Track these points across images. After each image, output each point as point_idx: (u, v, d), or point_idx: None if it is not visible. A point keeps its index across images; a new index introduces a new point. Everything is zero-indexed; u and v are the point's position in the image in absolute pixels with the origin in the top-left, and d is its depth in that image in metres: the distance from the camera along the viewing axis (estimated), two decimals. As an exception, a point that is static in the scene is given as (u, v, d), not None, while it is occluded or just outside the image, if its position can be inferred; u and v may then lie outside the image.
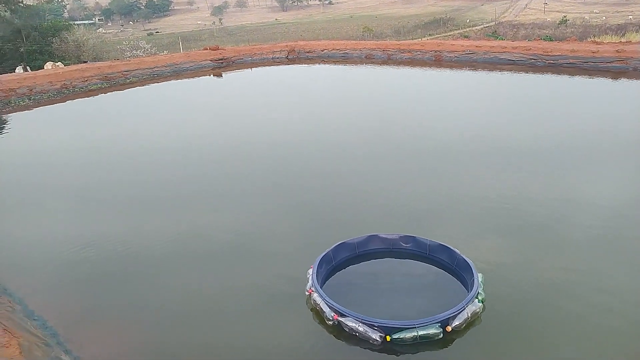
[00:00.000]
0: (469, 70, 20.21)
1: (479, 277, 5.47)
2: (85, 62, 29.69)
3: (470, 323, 5.13)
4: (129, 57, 32.91)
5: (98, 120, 15.92)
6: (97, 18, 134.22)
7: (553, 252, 6.63)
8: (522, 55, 20.17)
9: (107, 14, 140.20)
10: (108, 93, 19.79)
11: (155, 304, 6.05)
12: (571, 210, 7.81)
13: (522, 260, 6.48)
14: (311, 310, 5.57)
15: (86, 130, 14.69)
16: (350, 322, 5.00)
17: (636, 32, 34.89)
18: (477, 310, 5.17)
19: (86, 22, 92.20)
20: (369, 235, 6.51)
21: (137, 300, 6.13)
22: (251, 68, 24.34)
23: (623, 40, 25.73)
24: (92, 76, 20.90)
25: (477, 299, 5.22)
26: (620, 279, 5.98)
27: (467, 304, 5.07)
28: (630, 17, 68.98)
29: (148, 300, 6.14)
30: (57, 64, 24.38)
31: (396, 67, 22.30)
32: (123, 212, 8.75)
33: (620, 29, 45.81)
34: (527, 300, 5.66)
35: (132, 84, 21.15)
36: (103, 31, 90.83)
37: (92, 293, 6.36)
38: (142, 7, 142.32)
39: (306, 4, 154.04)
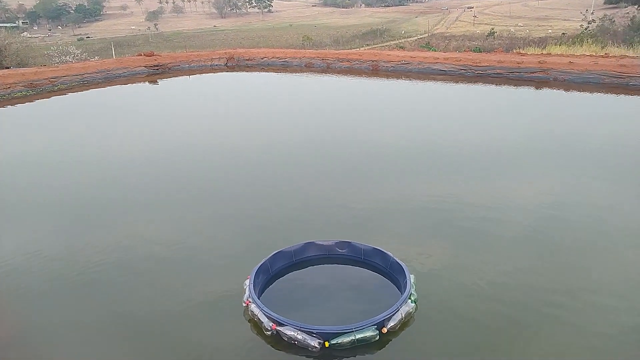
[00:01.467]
0: (404, 79, 20.93)
1: (411, 279, 5.67)
2: (7, 67, 27.84)
3: (404, 323, 5.30)
4: (58, 63, 31.26)
5: (21, 130, 14.98)
6: (20, 21, 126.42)
7: (483, 253, 6.97)
8: (453, 65, 21.16)
9: (33, 17, 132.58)
10: (34, 101, 18.66)
11: (87, 321, 5.76)
12: (501, 213, 8.21)
13: (453, 262, 6.76)
14: (249, 321, 5.52)
15: (8, 140, 13.78)
16: (288, 331, 5.01)
17: (555, 44, 37.57)
18: (411, 310, 5.36)
19: (7, 24, 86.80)
20: (305, 243, 6.55)
21: (67, 320, 5.81)
22: (189, 75, 23.87)
23: (544, 52, 27.60)
24: (16, 83, 19.64)
25: (410, 300, 5.41)
26: (549, 278, 6.32)
27: (400, 305, 5.24)
28: (550, 30, 74.26)
29: (78, 318, 5.82)
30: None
31: (335, 75, 22.67)
32: (51, 225, 8.27)
33: (542, 42, 49.10)
34: (457, 298, 5.92)
35: (60, 91, 20.09)
36: (28, 35, 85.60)
37: (21, 312, 5.96)
38: (72, 11, 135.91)
39: (245, 11, 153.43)
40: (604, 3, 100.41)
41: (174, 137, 13.61)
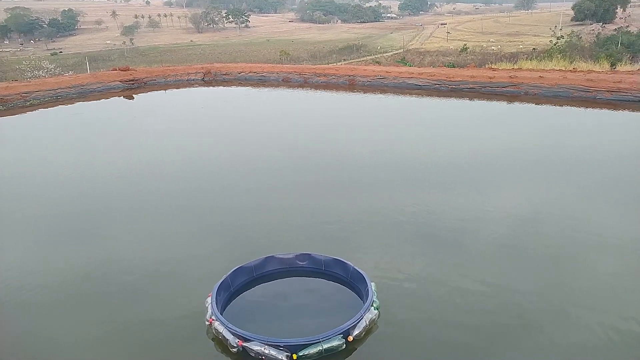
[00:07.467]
0: (380, 94, 21.17)
1: (372, 286, 5.74)
2: (-24, 82, 27.21)
3: (368, 330, 5.37)
4: (30, 77, 30.72)
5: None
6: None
7: (453, 263, 7.06)
8: (427, 80, 21.50)
9: (4, 31, 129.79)
10: (4, 117, 18.24)
11: (48, 346, 5.60)
12: (473, 224, 8.29)
13: (421, 271, 6.82)
14: (213, 340, 5.42)
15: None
16: (255, 346, 4.96)
17: (526, 59, 38.60)
18: (374, 317, 5.46)
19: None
20: (266, 257, 6.54)
21: (24, 343, 5.63)
22: (165, 90, 23.70)
23: (515, 67, 28.31)
24: (-15, 98, 19.20)
25: (372, 307, 5.49)
26: (520, 289, 6.38)
27: (364, 313, 5.31)
28: (521, 46, 76.37)
29: (37, 343, 5.65)
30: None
31: (312, 90, 22.81)
32: (24, 240, 8.07)
33: (513, 57, 50.31)
34: (419, 304, 6.03)
35: (32, 107, 19.70)
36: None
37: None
38: (45, 25, 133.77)
39: (222, 26, 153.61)
40: (572, 20, 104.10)
41: (148, 152, 13.46)
